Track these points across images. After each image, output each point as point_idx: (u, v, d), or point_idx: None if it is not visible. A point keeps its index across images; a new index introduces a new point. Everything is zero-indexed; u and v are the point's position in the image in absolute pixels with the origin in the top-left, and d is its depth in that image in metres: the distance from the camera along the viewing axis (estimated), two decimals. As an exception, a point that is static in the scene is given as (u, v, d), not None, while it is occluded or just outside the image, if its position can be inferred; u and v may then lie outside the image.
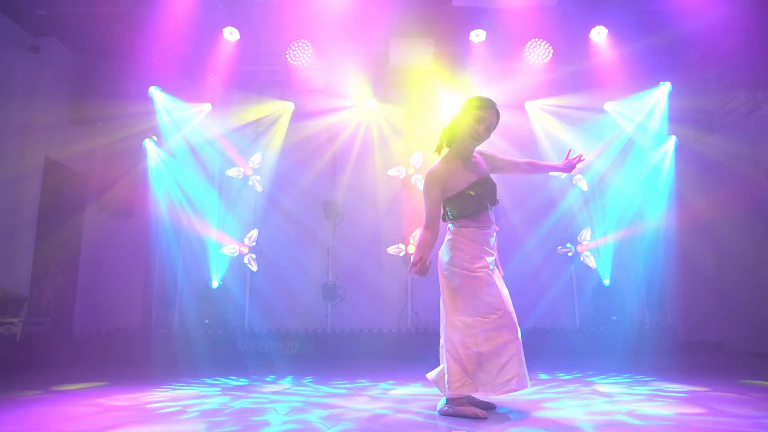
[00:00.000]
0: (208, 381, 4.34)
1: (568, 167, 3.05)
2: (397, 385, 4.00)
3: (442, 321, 2.81)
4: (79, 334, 6.46)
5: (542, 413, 2.77)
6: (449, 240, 2.87)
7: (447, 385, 2.67)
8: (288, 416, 2.78)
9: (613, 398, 3.22)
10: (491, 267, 2.82)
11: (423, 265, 2.66)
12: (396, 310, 7.24)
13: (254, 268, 7.20)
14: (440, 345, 2.81)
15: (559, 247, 7.34)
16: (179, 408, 3.04)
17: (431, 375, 2.86)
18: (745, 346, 6.55)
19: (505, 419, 2.63)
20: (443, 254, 2.86)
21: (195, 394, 3.60)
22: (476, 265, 2.76)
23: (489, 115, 2.80)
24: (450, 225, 2.90)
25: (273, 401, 3.27)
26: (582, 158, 3.06)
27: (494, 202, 2.87)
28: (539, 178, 7.44)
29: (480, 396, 2.83)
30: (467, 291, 2.74)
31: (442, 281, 2.85)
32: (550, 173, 3.10)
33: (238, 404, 3.16)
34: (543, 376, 4.38)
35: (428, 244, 2.75)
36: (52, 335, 5.97)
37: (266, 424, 2.60)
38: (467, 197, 2.82)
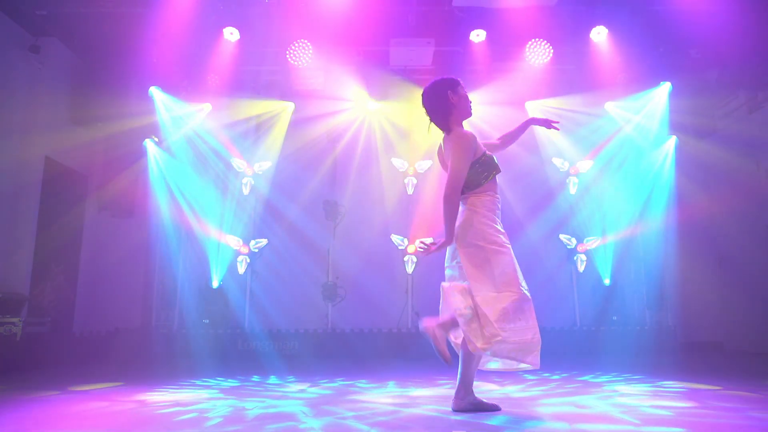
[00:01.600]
0: (206, 382, 4.33)
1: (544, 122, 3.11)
2: (400, 385, 4.00)
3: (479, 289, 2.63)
4: (79, 334, 6.46)
5: (542, 409, 2.77)
6: (472, 212, 2.74)
7: (487, 331, 2.53)
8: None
9: (614, 399, 3.22)
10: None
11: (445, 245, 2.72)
12: (396, 310, 7.24)
13: (241, 270, 7.20)
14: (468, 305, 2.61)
15: (561, 235, 7.32)
16: (195, 414, 2.93)
17: (457, 337, 2.75)
18: (746, 346, 6.54)
19: (519, 418, 2.63)
20: (467, 228, 2.72)
21: (197, 397, 3.60)
22: (503, 238, 2.75)
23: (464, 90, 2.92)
24: (470, 197, 2.78)
25: (286, 404, 3.27)
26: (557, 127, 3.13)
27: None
28: (540, 177, 7.46)
29: (486, 398, 2.84)
30: (500, 266, 2.67)
31: (474, 258, 2.68)
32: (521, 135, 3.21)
33: (251, 406, 3.14)
34: (529, 377, 4.39)
35: (456, 216, 2.71)
36: (52, 335, 5.98)
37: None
38: (488, 160, 2.83)
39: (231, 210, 7.39)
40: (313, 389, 3.79)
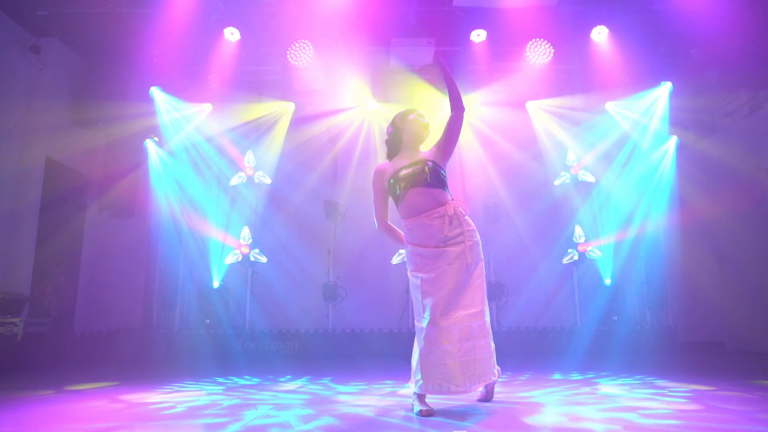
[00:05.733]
0: (206, 381, 4.34)
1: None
2: (400, 385, 4.00)
3: (485, 315, 2.86)
4: (80, 334, 6.47)
5: (517, 414, 2.77)
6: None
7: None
8: (270, 413, 2.77)
9: (616, 398, 3.21)
10: None
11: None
12: (397, 310, 7.24)
13: (264, 259, 7.19)
14: (489, 341, 2.86)
15: (564, 259, 7.33)
16: (171, 404, 3.01)
17: (486, 378, 2.82)
18: (746, 346, 6.54)
19: (513, 420, 2.63)
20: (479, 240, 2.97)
21: (191, 394, 3.60)
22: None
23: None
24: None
25: (260, 401, 3.27)
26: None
27: None
28: (542, 176, 7.47)
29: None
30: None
31: (480, 269, 2.92)
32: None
33: (226, 402, 3.16)
34: (557, 376, 4.39)
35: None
36: (53, 335, 5.98)
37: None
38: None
39: (231, 210, 7.39)
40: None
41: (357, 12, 5.86)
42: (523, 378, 4.29)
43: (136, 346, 6.49)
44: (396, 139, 3.07)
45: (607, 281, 7.17)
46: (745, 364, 5.27)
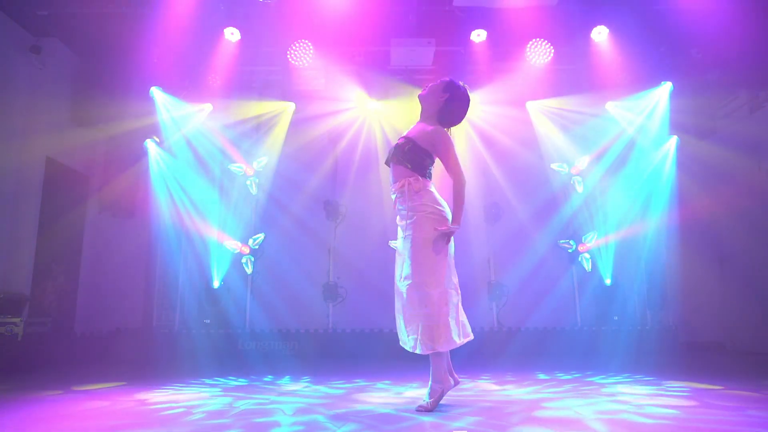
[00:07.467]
0: (209, 381, 4.34)
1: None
2: (398, 385, 4.00)
3: (429, 287, 2.84)
4: (80, 334, 6.47)
5: (544, 413, 2.77)
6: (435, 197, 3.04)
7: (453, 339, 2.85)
8: (295, 416, 2.77)
9: (615, 397, 3.22)
10: None
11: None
12: (397, 310, 7.23)
13: (249, 270, 7.20)
14: (432, 312, 2.82)
15: (560, 241, 7.33)
16: (184, 409, 3.02)
17: (419, 347, 2.80)
18: (747, 346, 6.54)
19: (508, 419, 2.63)
20: (439, 207, 2.99)
21: (197, 395, 3.60)
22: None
23: None
24: (429, 180, 3.07)
25: (277, 402, 3.27)
26: None
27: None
28: (542, 176, 7.47)
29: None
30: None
31: (429, 233, 2.91)
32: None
33: (242, 405, 3.16)
34: (542, 376, 4.39)
35: None
36: (53, 335, 5.98)
37: (276, 424, 2.58)
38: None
39: (232, 210, 7.40)
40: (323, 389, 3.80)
41: (357, 12, 5.87)
42: (509, 378, 4.30)
43: (136, 346, 6.48)
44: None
45: (607, 281, 7.17)
46: (745, 364, 5.28)
